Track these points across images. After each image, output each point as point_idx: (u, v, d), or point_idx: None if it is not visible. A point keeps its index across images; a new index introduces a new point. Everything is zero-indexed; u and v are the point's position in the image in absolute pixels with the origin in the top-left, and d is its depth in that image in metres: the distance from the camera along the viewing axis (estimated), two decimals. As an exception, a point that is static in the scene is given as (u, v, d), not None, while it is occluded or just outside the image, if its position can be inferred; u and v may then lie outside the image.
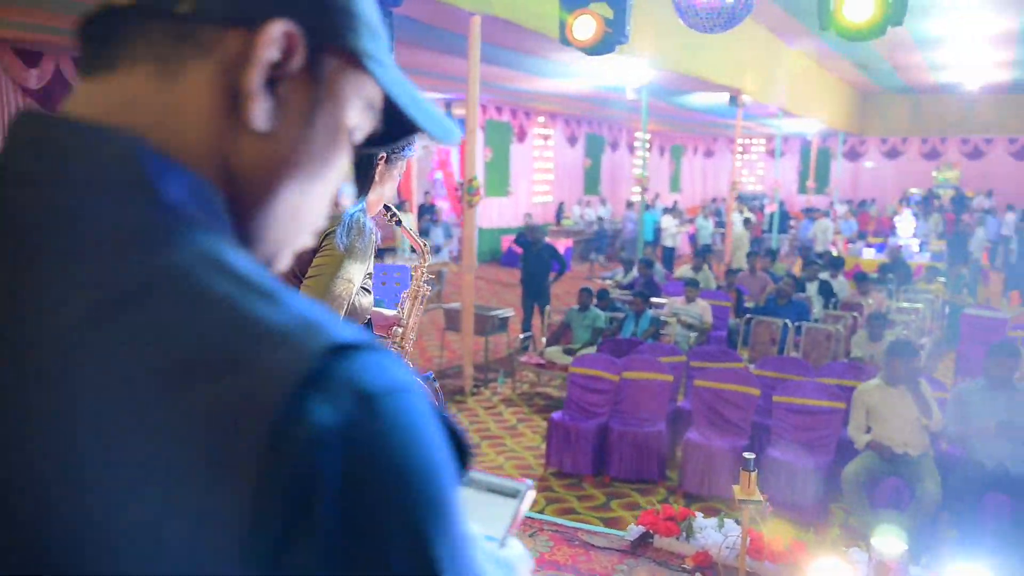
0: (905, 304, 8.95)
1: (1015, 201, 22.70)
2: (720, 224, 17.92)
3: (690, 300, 8.21)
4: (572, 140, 20.11)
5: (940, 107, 22.52)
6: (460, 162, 17.20)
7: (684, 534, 3.26)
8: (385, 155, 2.07)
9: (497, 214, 17.41)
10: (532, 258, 9.10)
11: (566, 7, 4.46)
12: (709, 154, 27.77)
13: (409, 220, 13.91)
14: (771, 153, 27.32)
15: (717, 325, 8.36)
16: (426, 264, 2.41)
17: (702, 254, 10.59)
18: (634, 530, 3.42)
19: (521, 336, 8.09)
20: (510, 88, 13.42)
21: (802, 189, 23.81)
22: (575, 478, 5.57)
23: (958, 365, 8.14)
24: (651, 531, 3.33)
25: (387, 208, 2.27)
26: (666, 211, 17.08)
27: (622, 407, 5.80)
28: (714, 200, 24.67)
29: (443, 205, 16.58)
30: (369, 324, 2.29)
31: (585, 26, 4.39)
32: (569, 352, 7.50)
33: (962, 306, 9.18)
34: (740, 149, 28.15)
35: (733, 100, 14.22)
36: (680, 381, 6.29)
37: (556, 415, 5.86)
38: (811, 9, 11.66)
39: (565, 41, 4.50)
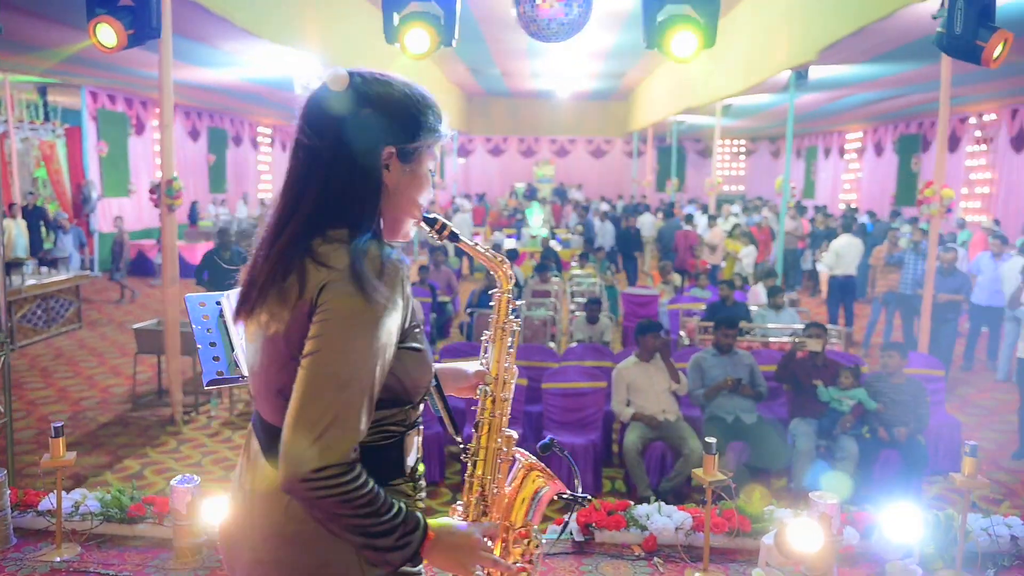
0: (577, 287, 10.05)
1: (598, 193, 26.60)
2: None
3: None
4: (194, 134, 18.59)
5: (534, 110, 25.42)
6: (70, 158, 14.86)
7: (629, 525, 3.37)
8: (394, 148, 1.40)
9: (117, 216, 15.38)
10: (226, 264, 8.33)
11: (390, 7, 4.17)
12: (328, 150, 27.74)
13: (19, 227, 11.66)
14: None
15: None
16: (508, 289, 1.68)
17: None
18: (568, 529, 3.43)
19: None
20: (128, 72, 11.91)
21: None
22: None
23: (624, 336, 9.39)
24: (595, 526, 3.38)
25: (430, 221, 1.55)
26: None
27: (394, 413, 5.66)
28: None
29: (51, 207, 14.18)
30: (439, 390, 1.65)
31: (419, 38, 4.15)
32: (294, 363, 7.05)
33: (613, 286, 10.57)
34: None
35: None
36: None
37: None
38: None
39: (392, 41, 4.22)
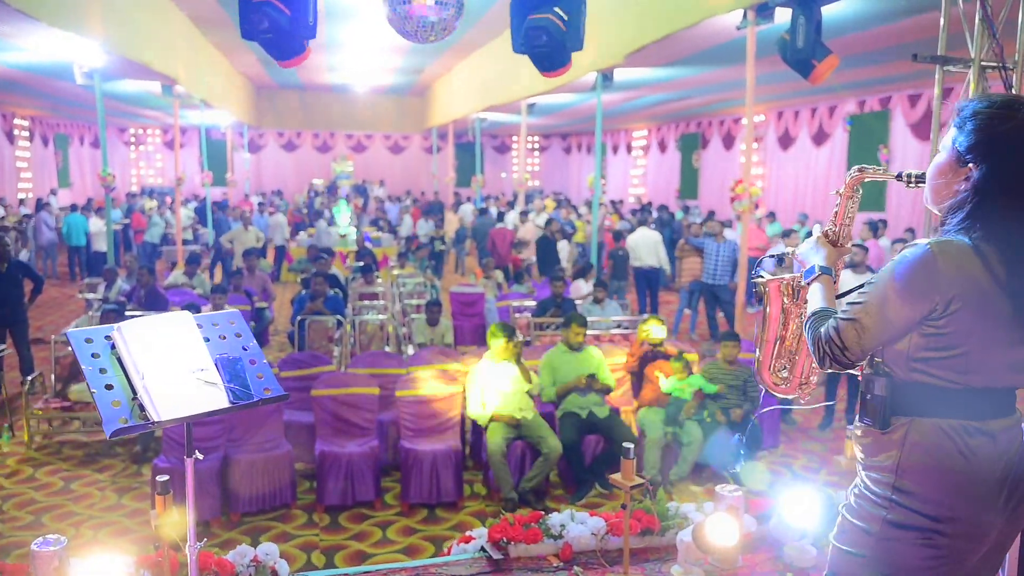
0: (403, 288, 9.85)
1: (400, 189, 26.32)
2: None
3: (217, 307, 7.66)
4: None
5: (329, 104, 24.65)
6: None
7: (544, 536, 3.25)
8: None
9: None
10: (1, 279, 7.29)
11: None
12: (97, 144, 25.16)
13: None
14: (168, 145, 26.17)
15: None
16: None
17: (195, 259, 9.83)
18: (479, 547, 3.25)
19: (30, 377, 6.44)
20: None
21: (217, 181, 23.44)
22: (203, 524, 4.87)
23: (455, 335, 9.34)
24: (509, 541, 3.22)
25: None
26: (96, 211, 15.19)
27: (237, 435, 5.24)
28: (135, 195, 22.56)
29: None
30: None
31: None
32: (104, 386, 6.32)
33: (435, 284, 10.50)
34: (133, 140, 26.29)
35: (168, 89, 13.36)
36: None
37: (160, 461, 5.00)
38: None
39: (249, 38, 3.77)
